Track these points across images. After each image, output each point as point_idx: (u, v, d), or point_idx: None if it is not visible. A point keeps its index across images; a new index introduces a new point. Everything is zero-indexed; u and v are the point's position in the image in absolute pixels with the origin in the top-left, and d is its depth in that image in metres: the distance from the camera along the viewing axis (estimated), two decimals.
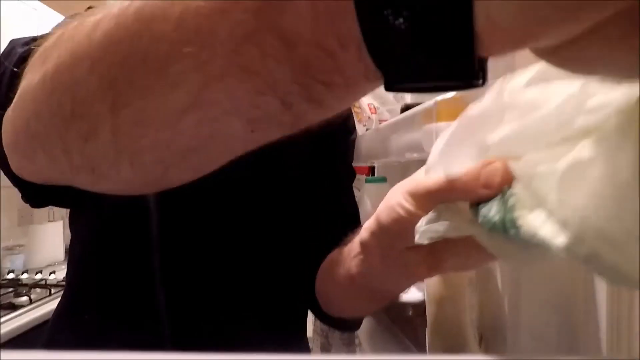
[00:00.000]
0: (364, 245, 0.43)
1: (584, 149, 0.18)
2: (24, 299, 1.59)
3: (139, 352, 0.21)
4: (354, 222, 0.66)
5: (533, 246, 0.20)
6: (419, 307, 0.71)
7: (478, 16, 0.14)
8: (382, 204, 0.38)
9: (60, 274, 1.87)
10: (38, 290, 1.71)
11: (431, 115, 0.53)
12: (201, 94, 0.20)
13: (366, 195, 0.93)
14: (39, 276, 1.88)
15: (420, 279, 0.40)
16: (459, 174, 0.27)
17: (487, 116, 0.24)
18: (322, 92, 0.19)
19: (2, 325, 1.40)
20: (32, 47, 0.29)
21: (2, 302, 1.54)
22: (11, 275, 1.90)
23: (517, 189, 0.23)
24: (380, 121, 1.04)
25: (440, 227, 0.30)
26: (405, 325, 0.76)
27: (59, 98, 0.24)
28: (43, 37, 0.29)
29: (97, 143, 0.24)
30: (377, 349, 0.76)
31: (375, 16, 0.15)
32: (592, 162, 0.17)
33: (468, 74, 0.15)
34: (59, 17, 2.07)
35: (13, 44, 0.41)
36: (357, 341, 1.03)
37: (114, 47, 0.21)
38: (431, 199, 0.32)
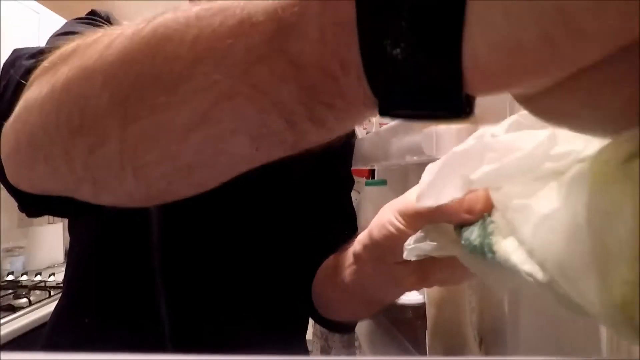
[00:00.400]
0: (357, 256, 0.46)
1: (551, 191, 0.21)
2: (24, 300, 1.59)
3: (138, 354, 0.21)
4: (352, 224, 0.67)
5: (507, 269, 0.22)
6: (419, 310, 0.71)
7: (465, 56, 0.15)
8: (374, 219, 0.40)
9: (60, 276, 1.86)
10: (37, 292, 1.71)
11: None
12: (210, 112, 0.21)
13: (366, 199, 0.93)
14: (38, 278, 1.88)
15: (409, 289, 0.43)
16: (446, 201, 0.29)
17: (471, 155, 0.27)
18: (324, 113, 0.20)
19: (1, 327, 1.39)
20: (39, 59, 0.30)
21: (2, 304, 1.54)
22: (10, 277, 1.89)
23: (495, 216, 0.26)
24: (381, 124, 1.04)
25: (427, 247, 0.33)
26: (405, 327, 0.76)
27: (69, 110, 0.25)
28: (49, 50, 0.29)
29: (103, 155, 0.24)
30: (377, 351, 0.76)
31: (374, 45, 0.16)
32: (555, 203, 0.19)
33: (455, 107, 0.17)
34: (59, 19, 2.07)
35: (16, 54, 0.40)
36: (357, 344, 1.03)
37: (127, 66, 0.22)
38: (419, 219, 0.35)
